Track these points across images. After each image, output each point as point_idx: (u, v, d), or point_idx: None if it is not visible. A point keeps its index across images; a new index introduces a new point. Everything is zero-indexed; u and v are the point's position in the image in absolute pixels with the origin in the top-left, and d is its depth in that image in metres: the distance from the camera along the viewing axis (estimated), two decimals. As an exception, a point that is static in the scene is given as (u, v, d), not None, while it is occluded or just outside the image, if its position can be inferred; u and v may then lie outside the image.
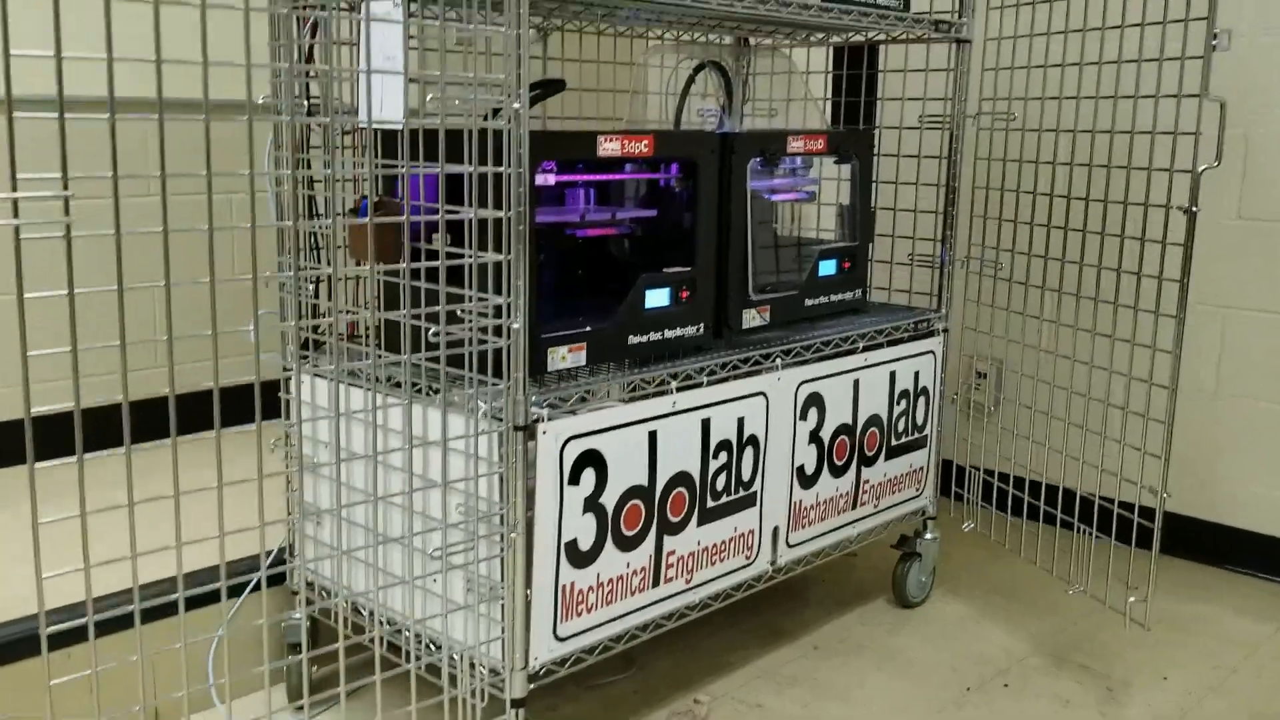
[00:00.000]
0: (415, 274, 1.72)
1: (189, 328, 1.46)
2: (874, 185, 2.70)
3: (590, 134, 1.88)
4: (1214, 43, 1.85)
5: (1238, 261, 2.82)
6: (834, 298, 2.50)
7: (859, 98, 2.78)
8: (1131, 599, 2.31)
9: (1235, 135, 2.77)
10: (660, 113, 2.75)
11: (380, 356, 1.84)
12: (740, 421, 2.12)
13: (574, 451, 1.80)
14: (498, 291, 1.68)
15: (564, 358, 1.89)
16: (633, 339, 2.00)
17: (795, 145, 2.34)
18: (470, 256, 1.65)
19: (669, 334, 2.07)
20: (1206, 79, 1.90)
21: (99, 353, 1.38)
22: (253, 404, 1.44)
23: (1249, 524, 2.91)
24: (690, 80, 2.62)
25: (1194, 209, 1.95)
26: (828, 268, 2.49)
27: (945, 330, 2.62)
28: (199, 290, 1.37)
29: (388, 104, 1.74)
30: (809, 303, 2.44)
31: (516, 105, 1.60)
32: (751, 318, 2.30)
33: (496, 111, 1.63)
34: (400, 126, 1.69)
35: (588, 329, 1.92)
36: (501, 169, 1.63)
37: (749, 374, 2.13)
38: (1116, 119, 2.16)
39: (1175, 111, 2.00)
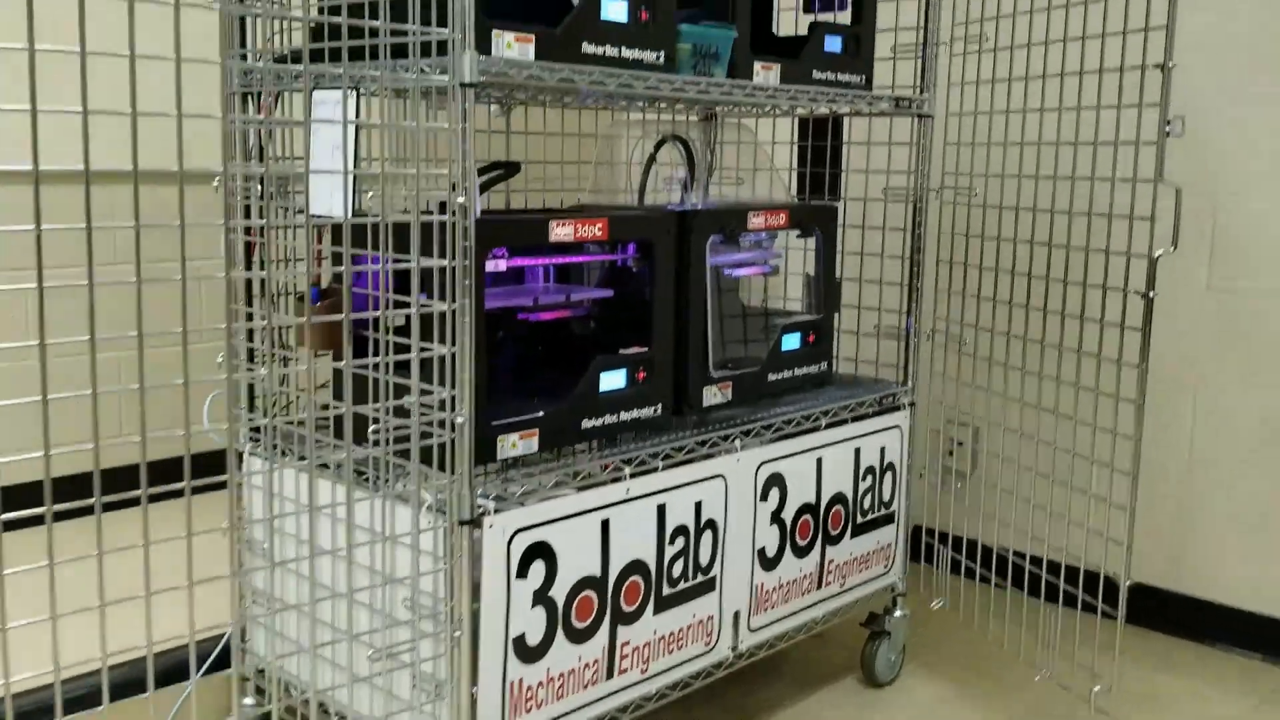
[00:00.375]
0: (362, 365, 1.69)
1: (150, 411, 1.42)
2: (840, 256, 2.69)
3: (543, 220, 1.86)
4: (1167, 129, 1.84)
5: (1209, 335, 2.80)
6: (798, 372, 2.48)
7: (824, 169, 2.78)
8: (1096, 688, 2.27)
9: (1204, 208, 2.77)
10: (626, 180, 2.74)
11: (331, 446, 1.80)
12: (698, 506, 2.08)
13: (522, 544, 1.76)
14: (445, 383, 1.65)
15: (515, 445, 1.85)
16: (587, 423, 1.97)
17: (756, 221, 2.33)
18: (415, 352, 1.62)
19: (625, 416, 2.04)
20: (1161, 164, 1.89)
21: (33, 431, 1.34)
22: (207, 473, 1.40)
23: (1223, 598, 2.87)
24: (654, 153, 2.61)
25: (1150, 294, 1.94)
26: (791, 342, 2.46)
27: (911, 404, 2.60)
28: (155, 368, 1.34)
29: (334, 196, 1.73)
30: (773, 378, 2.42)
31: (461, 200, 1.58)
32: (713, 395, 2.28)
33: (444, 205, 1.61)
34: (343, 219, 1.67)
35: (540, 414, 1.89)
36: (447, 263, 1.61)
37: (707, 456, 2.10)
38: (1075, 200, 2.16)
39: (1131, 196, 1.99)
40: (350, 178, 1.66)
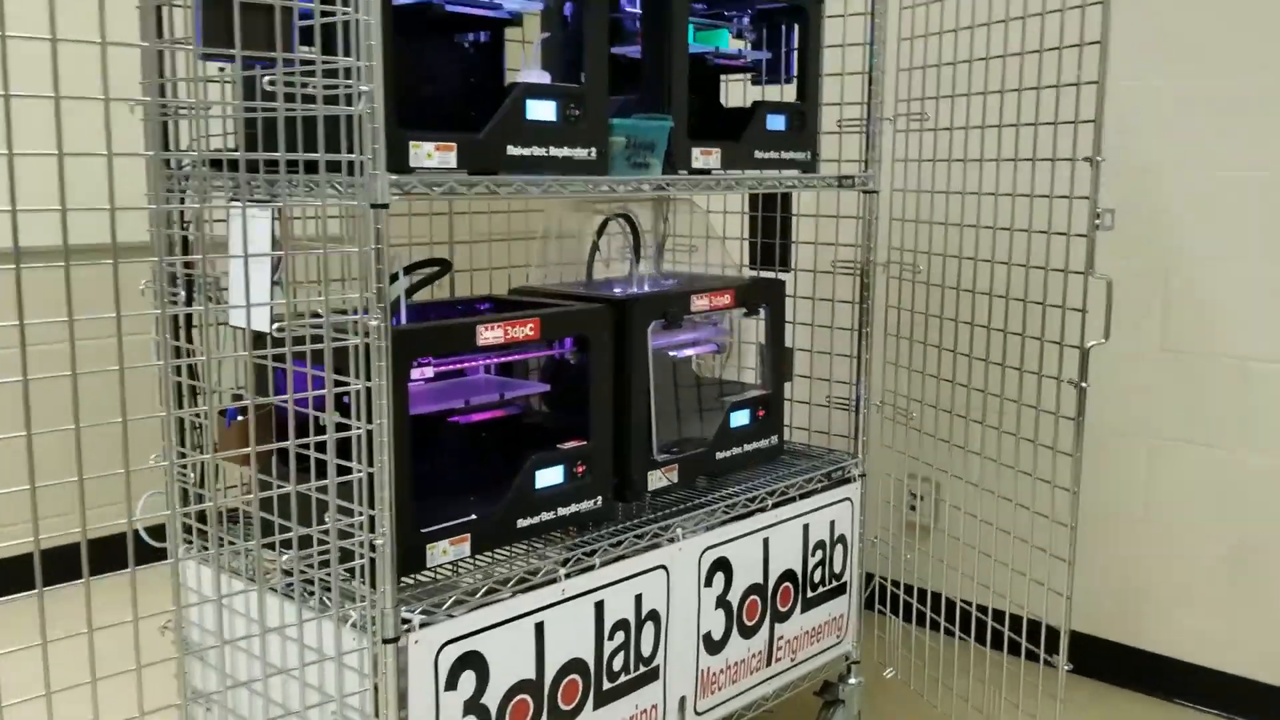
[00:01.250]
0: (287, 476, 1.68)
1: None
2: (793, 327, 2.68)
3: (469, 325, 1.85)
4: (1097, 223, 1.84)
5: (1162, 393, 2.80)
6: (748, 447, 2.47)
7: (775, 240, 2.77)
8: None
9: (1156, 268, 2.77)
10: (577, 252, 2.73)
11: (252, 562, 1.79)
12: (638, 598, 2.07)
13: (450, 656, 1.75)
14: (365, 503, 1.64)
15: (445, 552, 1.84)
16: (523, 522, 1.96)
17: (699, 304, 2.32)
18: (331, 477, 1.62)
19: (563, 511, 2.03)
20: (1091, 257, 1.89)
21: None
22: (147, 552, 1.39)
23: (1177, 653, 2.86)
24: (601, 230, 2.60)
25: (1083, 384, 1.93)
26: (740, 418, 2.46)
27: (862, 475, 2.59)
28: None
29: (257, 314, 1.72)
30: (721, 455, 2.41)
31: (375, 321, 1.58)
32: (657, 479, 2.27)
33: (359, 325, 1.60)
34: (266, 330, 1.67)
35: (472, 517, 1.88)
36: (363, 384, 1.60)
37: (647, 548, 2.09)
38: (1013, 286, 2.15)
39: (1063, 287, 1.98)
40: (268, 293, 1.66)
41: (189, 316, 1.95)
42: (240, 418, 1.79)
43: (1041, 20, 2.01)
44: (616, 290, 2.48)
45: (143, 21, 1.79)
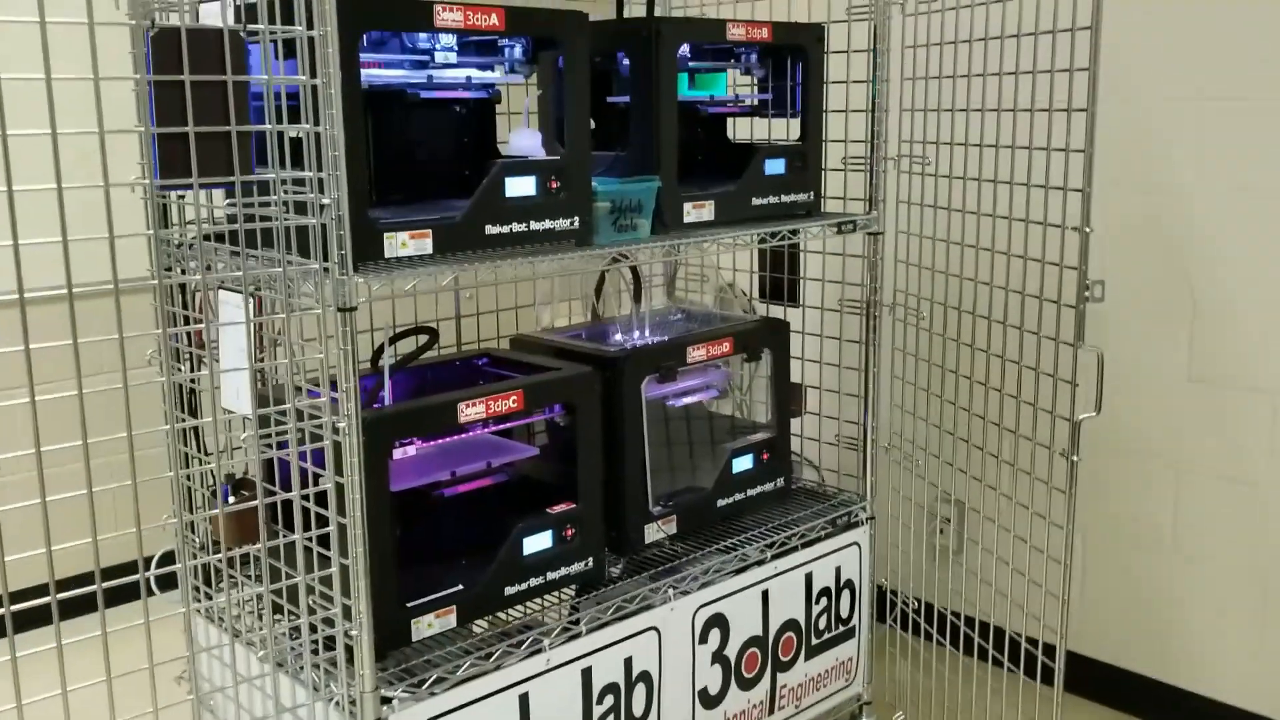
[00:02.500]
0: (276, 553, 1.72)
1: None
2: (801, 364, 2.67)
3: (450, 403, 1.86)
4: (1087, 295, 1.79)
5: (1190, 424, 2.73)
6: (752, 492, 2.47)
7: (783, 275, 2.75)
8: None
9: (1183, 295, 2.69)
10: (582, 288, 2.73)
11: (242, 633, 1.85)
12: (628, 661, 2.09)
13: (432, 734, 1.79)
14: (342, 592, 1.68)
15: (430, 625, 1.88)
16: (510, 589, 1.98)
17: (696, 355, 2.32)
18: (301, 574, 1.65)
19: (552, 575, 2.05)
20: (1080, 329, 1.84)
21: None
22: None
23: (1206, 689, 2.82)
24: (602, 277, 2.60)
25: (1075, 458, 1.89)
26: (743, 463, 2.45)
27: (871, 518, 2.57)
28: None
29: (241, 395, 1.75)
30: (723, 503, 2.41)
31: (343, 424, 1.60)
32: (654, 532, 2.28)
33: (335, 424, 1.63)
34: (248, 414, 1.71)
35: (459, 588, 1.91)
36: (335, 481, 1.63)
37: (637, 611, 2.11)
38: (1008, 348, 2.11)
39: (1054, 356, 1.94)
40: (246, 382, 1.69)
41: (193, 390, 2.00)
42: (233, 498, 1.83)
43: (1050, 78, 1.95)
44: (617, 336, 2.48)
45: (138, 107, 1.82)
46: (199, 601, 2.05)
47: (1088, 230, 1.82)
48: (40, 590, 1.39)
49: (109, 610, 1.45)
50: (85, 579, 1.40)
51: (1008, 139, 2.08)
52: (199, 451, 2.02)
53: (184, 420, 2.00)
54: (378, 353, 2.00)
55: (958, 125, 2.25)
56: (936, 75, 2.28)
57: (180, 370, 2.00)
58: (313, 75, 1.50)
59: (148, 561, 1.57)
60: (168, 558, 1.84)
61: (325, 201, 1.52)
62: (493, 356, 2.27)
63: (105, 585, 1.45)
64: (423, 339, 2.06)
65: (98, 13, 1.28)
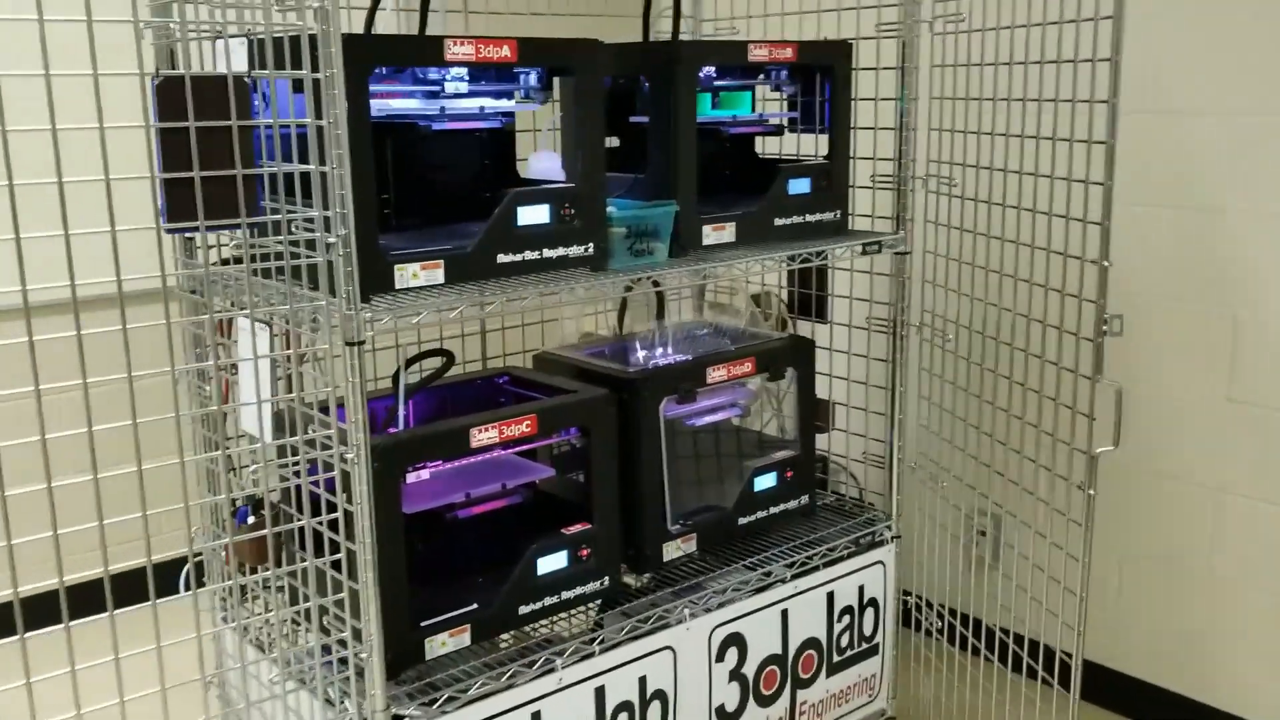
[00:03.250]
0: (296, 571, 1.78)
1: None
2: (829, 380, 2.66)
3: (463, 429, 1.90)
4: (1105, 329, 1.77)
5: (1228, 445, 2.67)
6: (774, 510, 2.47)
7: (811, 290, 2.74)
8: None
9: (1224, 315, 2.63)
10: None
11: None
12: (642, 680, 2.12)
13: (442, 753, 1.83)
14: (353, 615, 1.72)
15: (444, 644, 1.92)
16: (524, 609, 2.01)
17: (716, 375, 2.32)
18: (314, 600, 1.70)
19: (566, 595, 2.07)
20: (1099, 362, 1.82)
21: None
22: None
23: (1242, 710, 2.77)
24: (624, 301, 2.61)
25: (1090, 492, 1.87)
26: (765, 481, 2.45)
27: (896, 537, 2.56)
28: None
29: (265, 425, 1.80)
30: (744, 520, 2.41)
31: (350, 454, 1.64)
32: (674, 550, 2.30)
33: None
34: (268, 442, 1.76)
35: (473, 607, 1.95)
36: (344, 509, 1.67)
37: (652, 631, 2.13)
38: (1030, 376, 2.09)
39: (1073, 392, 1.92)
40: (266, 409, 1.74)
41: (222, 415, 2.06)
42: (251, 519, 1.88)
43: (1071, 108, 1.92)
44: (640, 354, 2.49)
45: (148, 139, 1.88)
46: (224, 612, 2.12)
47: (1106, 264, 1.79)
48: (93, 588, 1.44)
49: (126, 613, 1.50)
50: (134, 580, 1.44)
51: (1032, 166, 2.05)
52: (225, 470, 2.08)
53: (211, 435, 2.05)
54: (396, 374, 2.04)
55: (984, 148, 2.22)
56: (964, 97, 2.25)
57: (204, 390, 2.05)
58: (319, 116, 1.53)
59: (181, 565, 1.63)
60: (197, 568, 1.90)
61: (331, 240, 1.56)
62: (513, 375, 2.29)
63: (156, 596, 1.51)
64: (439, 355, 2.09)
65: (108, 59, 1.32)
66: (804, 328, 2.86)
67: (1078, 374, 1.89)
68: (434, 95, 1.88)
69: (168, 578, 1.68)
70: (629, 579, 2.28)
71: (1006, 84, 2.11)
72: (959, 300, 2.33)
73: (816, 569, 2.41)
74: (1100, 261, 1.80)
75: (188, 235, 1.75)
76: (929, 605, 2.73)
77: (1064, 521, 2.12)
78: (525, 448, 2.15)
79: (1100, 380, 1.81)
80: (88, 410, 1.38)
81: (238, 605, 2.04)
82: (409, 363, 2.04)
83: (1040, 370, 2.05)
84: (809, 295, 2.75)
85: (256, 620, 2.12)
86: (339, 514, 1.67)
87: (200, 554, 1.92)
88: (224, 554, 2.11)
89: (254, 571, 1.86)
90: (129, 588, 2.16)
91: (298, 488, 1.70)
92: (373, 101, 1.74)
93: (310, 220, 1.58)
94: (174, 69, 1.86)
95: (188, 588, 1.71)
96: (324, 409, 1.69)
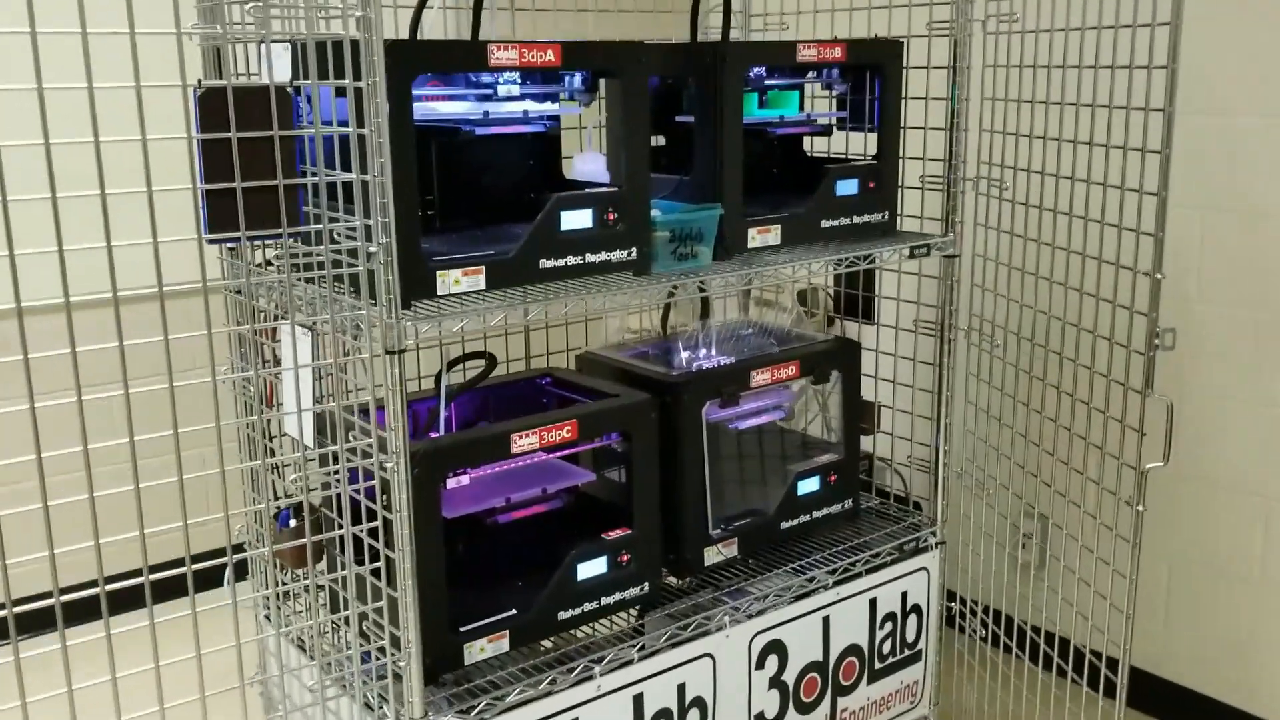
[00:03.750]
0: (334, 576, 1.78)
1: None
2: (875, 382, 2.62)
3: (504, 434, 1.89)
4: (1156, 342, 1.72)
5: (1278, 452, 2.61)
6: (817, 515, 2.44)
7: (857, 291, 2.70)
8: None
9: (1276, 320, 2.56)
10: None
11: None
12: (681, 688, 2.10)
13: (479, 759, 1.83)
14: (392, 623, 1.72)
15: (482, 649, 1.91)
16: (563, 614, 2.01)
17: (760, 379, 2.30)
18: (353, 608, 1.70)
19: (606, 601, 2.06)
20: (1149, 376, 1.77)
21: None
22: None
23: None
24: (667, 306, 2.59)
25: (1139, 508, 1.82)
26: (809, 485, 2.43)
27: (941, 543, 2.53)
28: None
29: (306, 430, 1.80)
30: (786, 525, 2.39)
31: (390, 464, 1.64)
32: (714, 555, 2.28)
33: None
34: (309, 448, 1.76)
35: (512, 612, 1.94)
36: (385, 518, 1.67)
37: (691, 639, 2.11)
38: (1078, 387, 2.04)
39: (1123, 402, 1.87)
40: (308, 415, 1.74)
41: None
42: (293, 522, 1.89)
43: (1125, 115, 1.86)
44: (683, 355, 2.47)
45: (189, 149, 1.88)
46: (267, 610, 2.13)
47: (1159, 276, 1.74)
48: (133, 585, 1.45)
49: (166, 613, 1.52)
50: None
51: (1084, 171, 2.00)
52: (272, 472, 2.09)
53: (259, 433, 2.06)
54: (439, 376, 2.03)
55: (1035, 152, 2.16)
56: (1016, 99, 2.20)
57: (249, 389, 2.06)
58: (361, 124, 1.52)
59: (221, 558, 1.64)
60: (239, 567, 1.91)
61: (372, 249, 1.55)
62: (555, 377, 2.28)
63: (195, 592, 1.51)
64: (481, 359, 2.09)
65: (151, 61, 1.32)
66: (850, 327, 2.82)
67: (1128, 387, 1.85)
68: (481, 98, 1.87)
69: (209, 572, 1.69)
70: (670, 579, 2.27)
71: (1060, 87, 2.05)
72: (1008, 305, 2.28)
73: (860, 575, 2.39)
74: (1153, 274, 1.75)
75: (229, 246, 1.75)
76: (973, 610, 2.69)
77: (1111, 533, 2.08)
78: (566, 452, 2.14)
79: (1151, 395, 1.77)
80: (129, 417, 1.38)
81: (278, 608, 2.05)
82: (451, 364, 2.03)
83: (1090, 381, 2.00)
84: (855, 295, 2.71)
85: (298, 625, 2.13)
86: (378, 522, 1.67)
87: (243, 548, 1.93)
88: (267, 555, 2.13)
89: (295, 575, 1.87)
90: (166, 584, 2.17)
91: (339, 493, 1.70)
92: (416, 105, 1.73)
93: (352, 228, 1.57)
94: (219, 70, 1.87)
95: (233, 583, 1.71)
96: (365, 413, 1.69)
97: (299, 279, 1.68)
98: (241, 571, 1.82)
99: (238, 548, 1.91)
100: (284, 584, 2.07)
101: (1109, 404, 1.93)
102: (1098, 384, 1.97)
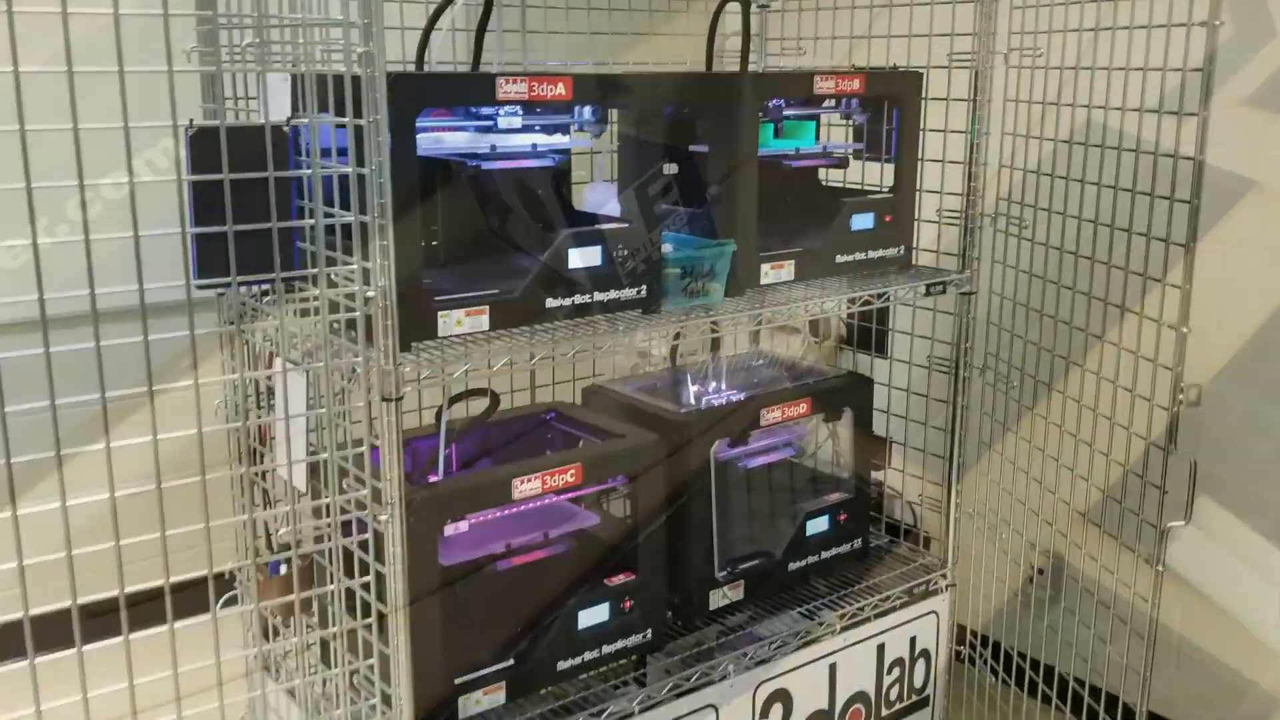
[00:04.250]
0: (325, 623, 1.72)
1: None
2: (887, 417, 2.56)
3: (505, 480, 1.82)
4: (1181, 398, 1.65)
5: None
6: (826, 555, 2.37)
7: (871, 325, 2.63)
8: None
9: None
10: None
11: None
12: (683, 739, 2.04)
13: (472, 817, 1.77)
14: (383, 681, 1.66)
15: (478, 702, 1.85)
16: (563, 664, 1.94)
17: (770, 417, 2.23)
18: (343, 667, 1.63)
19: (608, 649, 1.99)
20: (1174, 434, 1.70)
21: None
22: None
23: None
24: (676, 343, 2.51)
25: (1159, 568, 1.76)
26: (818, 525, 2.36)
27: (951, 586, 2.46)
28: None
29: (296, 470, 1.74)
30: (794, 566, 2.32)
31: (385, 516, 1.57)
32: (720, 598, 2.21)
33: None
34: (300, 487, 1.70)
35: (509, 663, 1.88)
36: (376, 571, 1.61)
37: (694, 689, 2.04)
38: (1097, 439, 1.97)
39: (1144, 459, 1.80)
40: (302, 460, 1.68)
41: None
42: (283, 570, 1.82)
43: (1154, 160, 1.79)
44: (693, 389, 2.40)
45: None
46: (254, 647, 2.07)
47: (1185, 330, 1.67)
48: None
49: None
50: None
51: (1107, 216, 1.93)
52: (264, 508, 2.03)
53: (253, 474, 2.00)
54: (439, 413, 1.96)
55: (1057, 191, 2.10)
56: (1039, 136, 2.13)
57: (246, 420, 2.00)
58: (361, 163, 1.45)
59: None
60: (230, 602, 1.84)
61: (370, 293, 1.48)
62: (560, 413, 2.22)
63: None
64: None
65: (133, 109, 1.25)
66: (862, 360, 2.76)
67: (1149, 442, 1.78)
68: (485, 130, 1.80)
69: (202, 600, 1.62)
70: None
71: (1085, 125, 1.98)
72: (1025, 346, 2.21)
73: (868, 619, 2.32)
74: (1178, 327, 1.68)
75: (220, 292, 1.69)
76: (983, 642, 2.62)
77: (1127, 593, 2.01)
78: (570, 495, 2.07)
79: (1174, 453, 1.70)
80: (110, 472, 1.32)
81: (264, 668, 1.98)
82: (453, 400, 1.96)
83: (1110, 431, 1.93)
84: (868, 328, 2.64)
85: (286, 682, 2.06)
86: (370, 577, 1.60)
87: (234, 582, 1.86)
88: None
89: (285, 623, 1.80)
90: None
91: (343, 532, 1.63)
92: (421, 137, 1.66)
93: (350, 270, 1.51)
94: (214, 98, 1.80)
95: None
96: (359, 461, 1.62)
97: (294, 314, 1.62)
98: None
99: (229, 583, 1.85)
100: (271, 648, 1.98)
101: (1129, 456, 1.86)
102: (1118, 434, 1.91)
